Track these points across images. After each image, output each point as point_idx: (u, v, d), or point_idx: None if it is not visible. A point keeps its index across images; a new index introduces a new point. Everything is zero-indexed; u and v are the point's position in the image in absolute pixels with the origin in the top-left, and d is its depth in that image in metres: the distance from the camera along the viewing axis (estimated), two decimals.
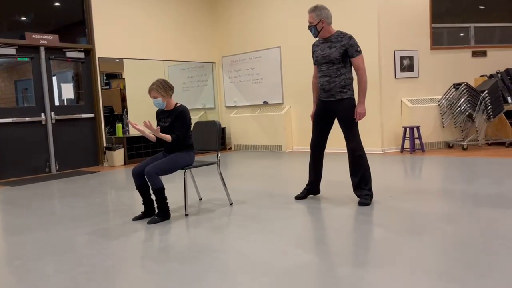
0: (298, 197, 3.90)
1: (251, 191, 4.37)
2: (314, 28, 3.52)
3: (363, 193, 3.54)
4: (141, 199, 4.07)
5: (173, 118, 3.48)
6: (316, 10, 3.50)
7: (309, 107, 7.89)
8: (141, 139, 7.64)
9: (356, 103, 3.53)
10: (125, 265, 2.45)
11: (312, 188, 3.89)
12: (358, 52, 3.46)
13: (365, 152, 3.59)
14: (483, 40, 7.67)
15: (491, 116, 6.61)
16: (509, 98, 6.89)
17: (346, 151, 3.62)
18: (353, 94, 3.55)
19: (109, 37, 7.55)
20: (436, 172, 4.92)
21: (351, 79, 3.54)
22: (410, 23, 7.12)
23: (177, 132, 3.45)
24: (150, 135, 3.63)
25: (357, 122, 3.52)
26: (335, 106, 3.54)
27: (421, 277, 2.04)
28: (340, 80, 3.49)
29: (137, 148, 7.59)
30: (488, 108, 6.60)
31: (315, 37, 3.59)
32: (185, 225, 3.26)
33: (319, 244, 2.60)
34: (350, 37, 3.46)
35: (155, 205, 3.56)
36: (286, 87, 8.22)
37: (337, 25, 7.35)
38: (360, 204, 3.49)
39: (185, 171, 3.60)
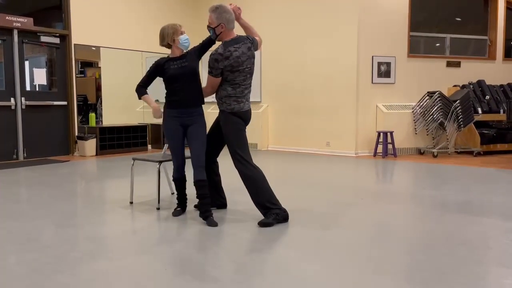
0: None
1: (224, 187, 4.35)
2: (212, 30, 3.10)
3: (269, 212, 3.07)
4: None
5: (195, 52, 3.21)
6: (217, 11, 3.06)
7: (287, 107, 7.92)
8: (115, 130, 7.49)
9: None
10: (93, 256, 2.39)
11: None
12: (208, 72, 3.07)
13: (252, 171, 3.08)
14: (458, 51, 7.87)
15: (462, 126, 6.80)
16: (479, 109, 7.10)
17: None
18: (231, 108, 3.09)
19: (87, 24, 7.37)
20: (406, 177, 5.02)
21: (226, 90, 3.09)
22: (389, 30, 7.23)
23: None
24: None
25: (238, 137, 3.10)
26: (220, 117, 3.22)
27: (386, 280, 2.07)
28: (218, 90, 3.16)
29: (110, 139, 7.44)
30: (459, 117, 6.78)
31: (214, 40, 3.18)
32: (156, 218, 3.21)
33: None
34: (212, 52, 3.03)
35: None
36: (265, 86, 8.23)
37: (317, 28, 7.40)
38: (259, 224, 3.01)
39: (159, 165, 3.55)
